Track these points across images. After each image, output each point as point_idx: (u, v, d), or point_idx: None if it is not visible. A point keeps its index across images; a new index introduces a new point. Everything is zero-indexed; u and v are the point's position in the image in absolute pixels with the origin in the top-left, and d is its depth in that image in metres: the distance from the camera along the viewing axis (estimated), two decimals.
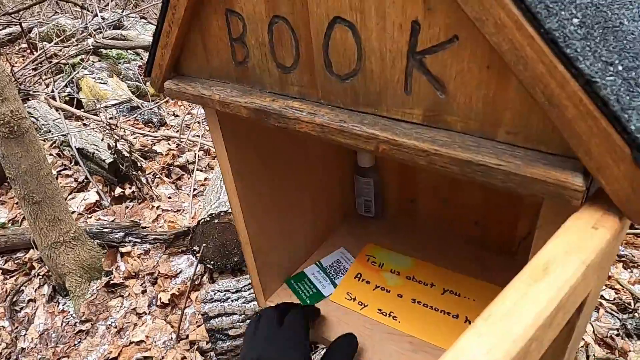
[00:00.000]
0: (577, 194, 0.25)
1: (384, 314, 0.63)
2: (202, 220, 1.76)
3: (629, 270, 1.99)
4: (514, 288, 0.21)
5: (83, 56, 3.10)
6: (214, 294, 1.51)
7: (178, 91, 0.46)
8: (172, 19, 0.41)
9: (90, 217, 2.25)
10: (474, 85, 0.28)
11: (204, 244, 1.75)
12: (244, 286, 1.53)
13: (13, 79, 2.94)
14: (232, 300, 1.52)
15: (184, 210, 2.26)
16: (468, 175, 0.29)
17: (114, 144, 2.15)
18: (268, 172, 0.60)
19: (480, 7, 0.25)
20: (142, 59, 3.52)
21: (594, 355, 1.45)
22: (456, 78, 0.29)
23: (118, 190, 2.33)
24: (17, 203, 2.30)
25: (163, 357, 1.67)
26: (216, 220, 1.75)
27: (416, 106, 0.31)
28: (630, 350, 1.49)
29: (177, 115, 3.17)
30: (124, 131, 2.52)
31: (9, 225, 2.31)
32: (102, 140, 2.14)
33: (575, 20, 0.25)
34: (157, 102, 3.09)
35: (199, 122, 2.93)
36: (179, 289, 1.89)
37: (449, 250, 0.73)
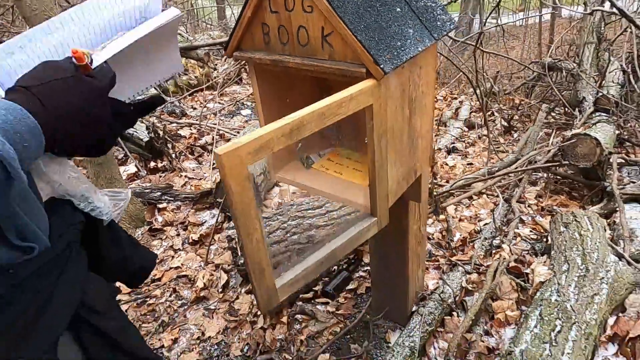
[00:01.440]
0: (363, 74, 0.98)
1: (336, 172, 1.36)
2: None
3: None
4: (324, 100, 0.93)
5: None
6: None
7: (240, 56, 1.19)
8: (239, 26, 1.14)
9: (131, 184, 2.96)
10: (339, 46, 1.01)
11: (225, 195, 2.46)
12: None
13: None
14: None
15: (205, 178, 2.98)
16: (339, 76, 1.01)
17: (151, 125, 2.88)
18: (278, 103, 1.33)
19: (335, 24, 0.97)
20: None
21: (505, 263, 2.12)
22: (335, 44, 1.01)
23: (152, 164, 3.06)
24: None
25: (195, 275, 2.35)
26: None
27: (326, 55, 1.05)
28: (533, 262, 2.17)
29: (195, 108, 3.94)
30: (158, 116, 3.27)
31: None
32: (142, 122, 2.88)
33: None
34: (178, 97, 3.82)
35: (214, 114, 3.68)
36: (205, 232, 2.59)
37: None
